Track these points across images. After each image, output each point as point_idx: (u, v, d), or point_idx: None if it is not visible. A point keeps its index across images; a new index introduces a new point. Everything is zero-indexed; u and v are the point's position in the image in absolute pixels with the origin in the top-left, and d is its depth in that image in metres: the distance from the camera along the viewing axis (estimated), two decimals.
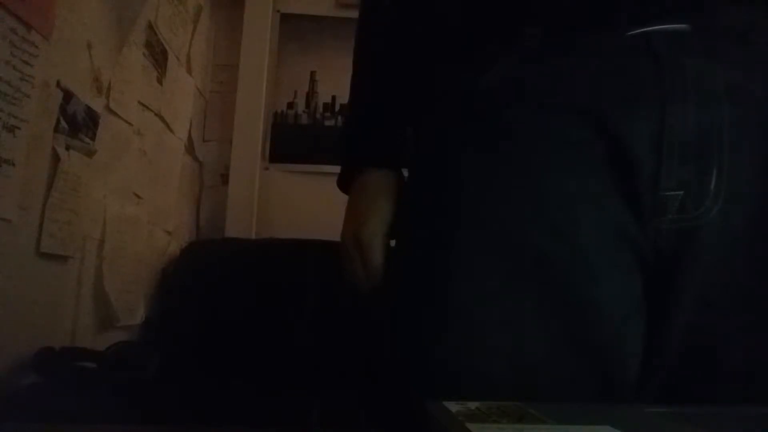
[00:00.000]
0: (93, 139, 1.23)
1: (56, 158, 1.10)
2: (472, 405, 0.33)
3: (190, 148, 1.93)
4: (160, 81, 1.60)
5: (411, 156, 0.60)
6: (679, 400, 0.45)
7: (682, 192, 0.45)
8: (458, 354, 0.46)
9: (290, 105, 2.12)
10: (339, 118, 2.11)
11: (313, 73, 2.13)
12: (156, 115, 1.59)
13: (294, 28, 2.14)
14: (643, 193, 0.46)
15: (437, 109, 0.56)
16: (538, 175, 0.48)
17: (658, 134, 0.45)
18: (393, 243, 0.59)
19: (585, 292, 0.46)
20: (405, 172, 0.61)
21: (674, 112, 0.45)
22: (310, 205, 2.02)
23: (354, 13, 0.70)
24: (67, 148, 1.13)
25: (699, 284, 0.45)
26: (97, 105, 1.24)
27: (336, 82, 2.12)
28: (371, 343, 0.51)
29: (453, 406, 0.32)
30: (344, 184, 0.65)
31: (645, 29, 0.47)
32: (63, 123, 1.11)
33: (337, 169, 0.65)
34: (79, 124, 1.17)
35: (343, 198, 0.65)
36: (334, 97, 2.12)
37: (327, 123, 2.11)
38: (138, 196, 1.50)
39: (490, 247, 0.47)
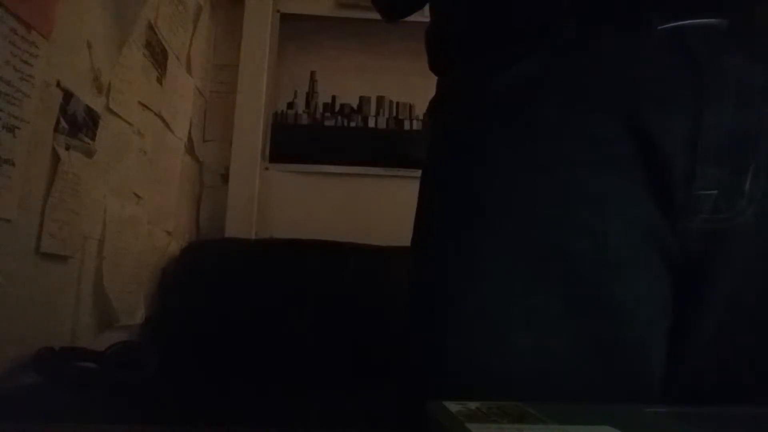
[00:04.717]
0: (93, 139, 1.23)
1: (56, 158, 1.10)
2: (472, 405, 0.33)
3: (190, 148, 1.93)
4: (160, 81, 1.60)
5: (427, 154, 0.57)
6: (699, 402, 0.44)
7: (716, 191, 0.44)
8: (478, 355, 0.45)
9: (290, 105, 2.12)
10: (339, 118, 2.11)
11: (313, 73, 2.13)
12: (156, 115, 1.59)
13: (294, 28, 2.14)
14: (674, 193, 0.45)
15: (456, 106, 0.55)
16: (563, 173, 0.46)
17: (694, 133, 0.44)
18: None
19: (610, 293, 0.45)
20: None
21: (712, 111, 0.44)
22: (310, 205, 2.01)
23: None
24: (67, 148, 1.13)
25: (729, 286, 0.45)
26: (97, 105, 1.24)
27: (336, 82, 2.12)
28: (400, 346, 0.50)
29: (453, 406, 0.32)
30: None
31: (677, 24, 0.45)
32: (63, 123, 1.11)
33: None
34: (79, 124, 1.17)
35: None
36: (334, 97, 2.12)
37: (327, 123, 2.11)
38: (138, 196, 1.50)
39: (513, 246, 0.46)
